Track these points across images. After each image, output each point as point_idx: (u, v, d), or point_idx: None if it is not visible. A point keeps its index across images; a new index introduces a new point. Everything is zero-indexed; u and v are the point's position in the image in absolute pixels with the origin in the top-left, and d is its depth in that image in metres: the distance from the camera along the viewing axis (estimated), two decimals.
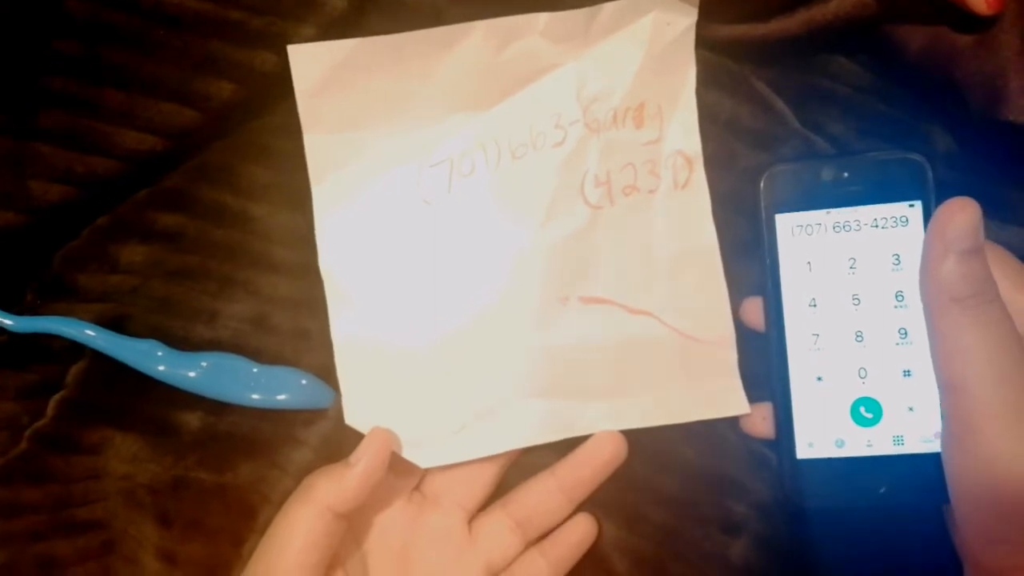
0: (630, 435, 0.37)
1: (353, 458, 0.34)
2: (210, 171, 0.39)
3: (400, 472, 0.37)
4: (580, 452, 0.37)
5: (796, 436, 0.34)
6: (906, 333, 0.33)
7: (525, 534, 0.37)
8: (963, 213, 0.30)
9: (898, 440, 0.33)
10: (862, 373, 0.33)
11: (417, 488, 0.38)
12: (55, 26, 0.36)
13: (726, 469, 0.38)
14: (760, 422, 0.35)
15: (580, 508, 0.38)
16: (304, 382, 0.38)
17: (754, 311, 0.36)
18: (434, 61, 0.37)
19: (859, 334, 0.33)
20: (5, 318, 0.38)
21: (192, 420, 0.39)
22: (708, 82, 0.37)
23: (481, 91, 0.37)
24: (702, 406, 0.36)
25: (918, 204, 0.33)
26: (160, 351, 0.38)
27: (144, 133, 0.37)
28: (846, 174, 0.34)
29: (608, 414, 0.37)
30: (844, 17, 0.35)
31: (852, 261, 0.34)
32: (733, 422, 0.37)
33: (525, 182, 0.38)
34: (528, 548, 0.38)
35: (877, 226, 0.33)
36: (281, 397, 0.38)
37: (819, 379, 0.34)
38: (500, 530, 0.37)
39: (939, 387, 0.31)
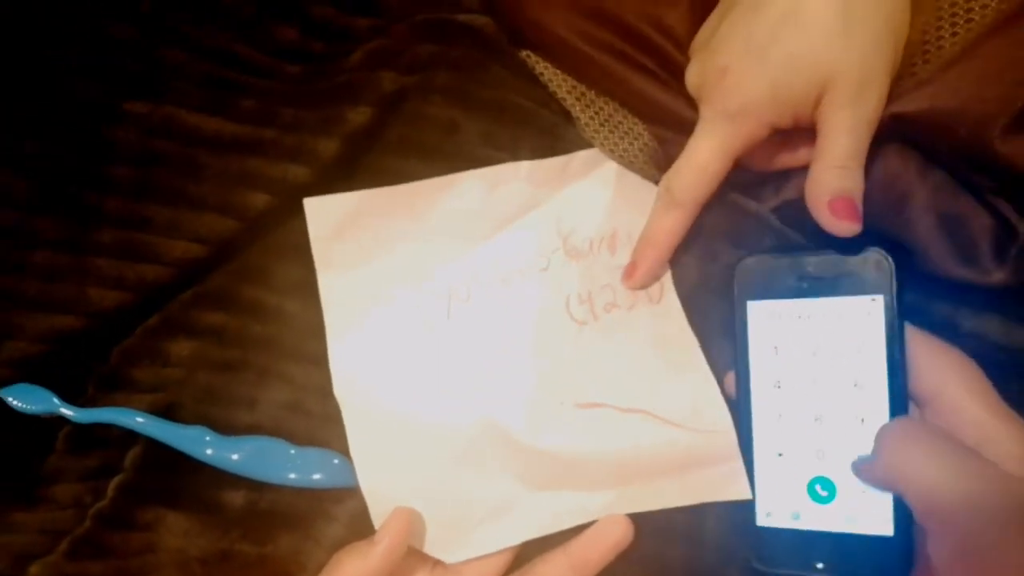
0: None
1: (377, 537, 0.38)
2: (248, 271, 0.43)
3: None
4: (589, 534, 0.40)
5: (757, 505, 0.37)
6: (863, 420, 0.35)
7: None
8: None
9: (851, 520, 0.35)
10: (820, 453, 0.36)
11: (439, 563, 0.42)
12: (109, 153, 0.41)
13: (724, 538, 0.40)
14: None
15: None
16: (336, 462, 0.42)
17: (731, 384, 0.39)
18: (431, 205, 0.42)
19: (819, 417, 0.36)
20: (69, 410, 0.42)
21: (236, 498, 0.43)
22: None
23: (473, 229, 0.42)
24: (705, 491, 0.39)
25: (880, 298, 0.35)
26: (207, 436, 0.42)
27: (189, 242, 0.42)
28: (811, 268, 0.36)
29: (615, 501, 0.40)
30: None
31: (815, 347, 0.36)
32: None
33: (515, 304, 0.42)
34: None
35: (840, 317, 0.36)
36: (316, 476, 0.42)
37: (780, 455, 0.37)
38: None
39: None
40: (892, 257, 0.35)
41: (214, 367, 0.43)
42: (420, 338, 0.42)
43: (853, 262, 0.36)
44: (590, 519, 0.40)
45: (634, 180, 0.41)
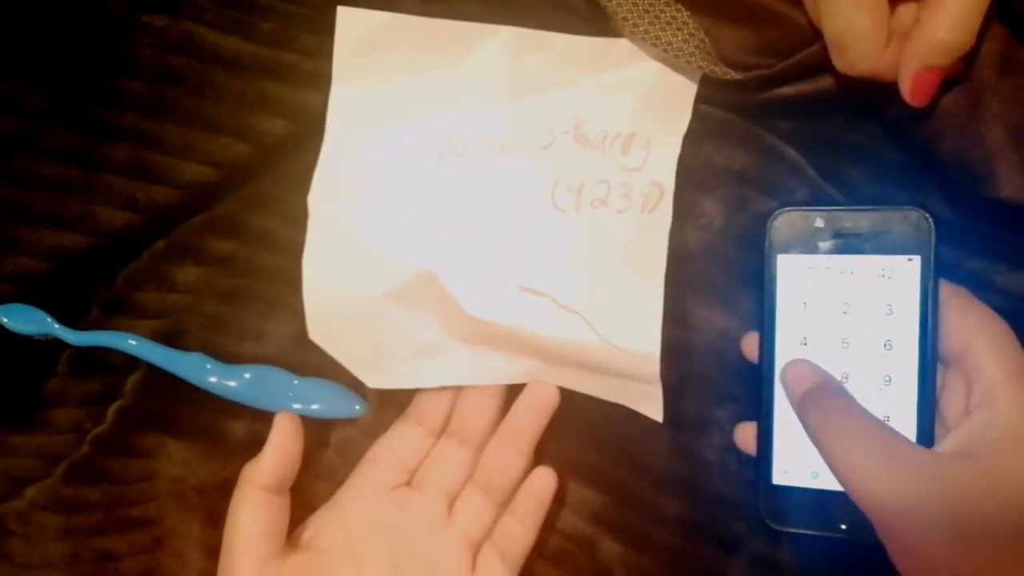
0: (637, 458, 0.40)
1: (265, 444, 0.39)
2: (260, 200, 0.42)
3: (389, 468, 0.41)
4: (515, 405, 0.41)
5: (774, 462, 0.36)
6: (890, 380, 0.35)
7: (493, 498, 0.40)
8: None
9: None
10: None
11: (407, 483, 0.42)
12: (124, 68, 0.40)
13: (725, 490, 0.40)
14: (751, 438, 0.38)
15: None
16: (338, 392, 0.42)
17: (753, 345, 0.38)
18: (459, 50, 0.41)
19: (845, 376, 0.35)
20: (66, 333, 0.41)
21: (238, 428, 0.42)
22: (721, 138, 0.40)
23: (491, 89, 0.41)
24: (621, 395, 0.40)
25: (916, 259, 0.35)
26: (208, 364, 0.41)
27: (201, 165, 0.41)
28: (848, 224, 0.36)
29: (536, 370, 0.40)
30: (818, 93, 0.37)
31: (846, 306, 0.36)
32: (735, 449, 0.39)
33: (505, 173, 0.41)
34: (501, 514, 0.41)
35: (874, 276, 0.35)
36: (316, 407, 0.41)
37: None
38: (473, 502, 0.40)
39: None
40: (932, 217, 0.34)
41: (221, 295, 0.42)
42: (403, 175, 0.41)
43: (892, 220, 0.35)
44: (508, 382, 0.41)
45: (671, 90, 0.40)
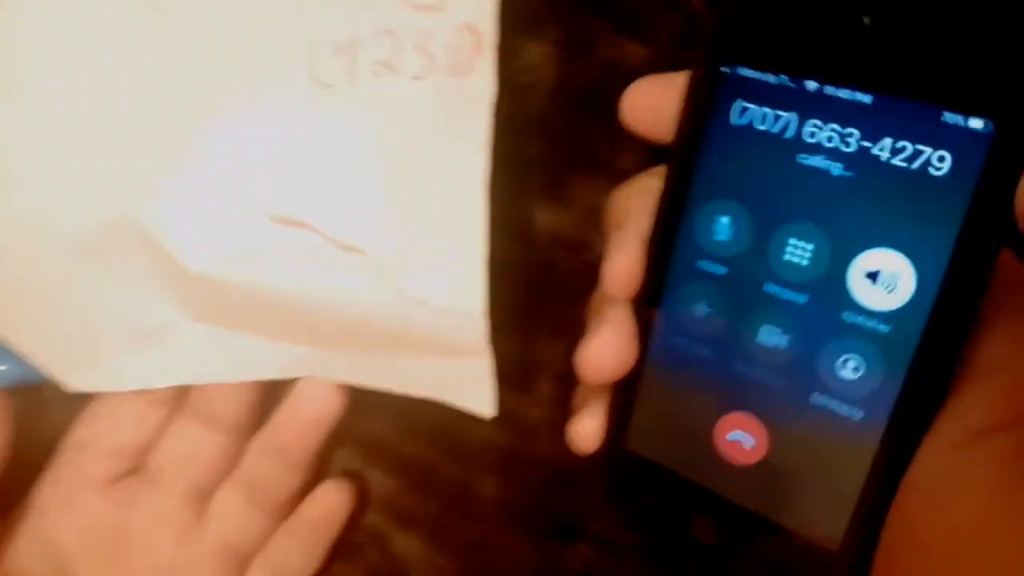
0: (440, 425, 0.30)
1: None
2: None
3: (105, 455, 0.31)
4: (277, 414, 0.31)
5: (635, 419, 0.24)
6: None
7: (261, 506, 0.32)
8: None
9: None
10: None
11: (135, 472, 0.32)
12: None
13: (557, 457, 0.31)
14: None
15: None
16: (10, 351, 0.29)
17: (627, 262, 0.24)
18: None
19: None
20: None
21: None
22: None
23: None
24: (433, 384, 0.28)
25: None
26: None
27: None
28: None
29: (309, 360, 0.29)
30: None
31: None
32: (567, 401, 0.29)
33: (224, 36, 0.27)
34: (277, 528, 0.32)
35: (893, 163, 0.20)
36: None
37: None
38: (234, 506, 0.32)
39: None
40: None
41: None
42: (65, 56, 0.26)
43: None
44: (270, 378, 0.29)
45: None
